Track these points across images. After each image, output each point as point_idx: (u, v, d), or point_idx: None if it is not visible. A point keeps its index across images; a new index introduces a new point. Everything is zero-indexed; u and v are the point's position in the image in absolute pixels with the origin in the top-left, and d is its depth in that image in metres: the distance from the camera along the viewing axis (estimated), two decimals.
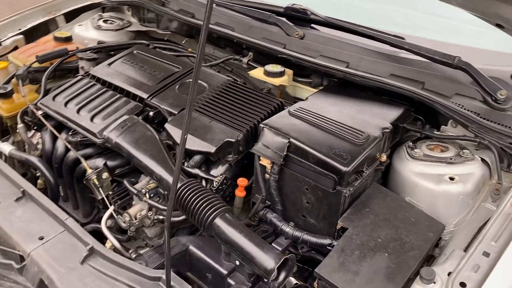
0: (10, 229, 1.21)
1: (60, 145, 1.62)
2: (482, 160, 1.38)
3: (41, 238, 1.17)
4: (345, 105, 1.52)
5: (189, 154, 1.48)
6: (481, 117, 1.43)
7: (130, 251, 1.36)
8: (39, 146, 1.73)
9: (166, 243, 0.95)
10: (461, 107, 1.46)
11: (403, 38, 1.68)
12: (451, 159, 1.36)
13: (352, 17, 1.79)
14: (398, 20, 1.86)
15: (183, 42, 2.21)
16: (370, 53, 1.66)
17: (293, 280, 1.40)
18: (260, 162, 1.37)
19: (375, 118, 1.43)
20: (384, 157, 1.38)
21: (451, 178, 1.32)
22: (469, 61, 1.49)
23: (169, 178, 1.36)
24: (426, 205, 1.33)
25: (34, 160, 1.59)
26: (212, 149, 1.41)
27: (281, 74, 1.67)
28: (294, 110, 1.46)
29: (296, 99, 1.80)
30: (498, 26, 1.40)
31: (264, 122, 1.40)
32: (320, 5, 1.88)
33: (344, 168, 1.23)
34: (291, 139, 1.32)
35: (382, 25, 1.76)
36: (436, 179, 1.32)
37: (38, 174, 1.73)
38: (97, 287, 1.07)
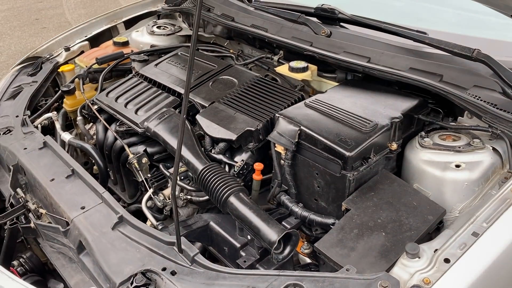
0: (60, 200, 1.44)
1: (110, 134, 1.86)
2: (494, 149, 1.40)
3: (83, 208, 1.39)
4: (361, 97, 1.60)
5: (215, 141, 1.64)
6: (498, 108, 1.44)
7: (157, 223, 1.54)
8: (95, 136, 1.99)
9: (174, 211, 1.11)
10: (478, 98, 1.47)
11: (425, 33, 1.72)
12: (460, 147, 1.39)
13: (379, 15, 1.86)
14: (422, 16, 1.89)
15: (225, 44, 2.39)
16: (392, 48, 1.72)
17: (307, 259, 1.51)
18: (276, 149, 1.50)
19: (387, 109, 1.50)
20: (394, 146, 1.45)
21: (457, 166, 1.35)
22: (491, 54, 1.51)
23: (196, 162, 1.53)
24: (433, 192, 1.38)
25: (88, 147, 1.84)
26: (233, 136, 1.56)
27: (304, 69, 1.79)
28: (310, 102, 1.57)
29: None
30: None
31: (280, 112, 1.53)
32: (350, 4, 1.97)
33: (347, 153, 1.32)
34: (302, 127, 1.43)
35: (407, 21, 1.81)
36: (442, 167, 1.37)
37: (93, 161, 1.99)
38: (123, 249, 1.25)
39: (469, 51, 1.54)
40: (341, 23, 1.97)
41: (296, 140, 1.44)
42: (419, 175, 1.42)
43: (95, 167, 2.01)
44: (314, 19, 1.99)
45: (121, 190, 1.94)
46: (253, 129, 1.57)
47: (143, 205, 1.67)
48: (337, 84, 1.83)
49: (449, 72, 1.58)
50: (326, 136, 1.39)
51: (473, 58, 1.52)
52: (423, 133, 1.50)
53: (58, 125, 2.00)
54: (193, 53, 0.95)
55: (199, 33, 2.52)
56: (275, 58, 2.01)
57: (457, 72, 1.57)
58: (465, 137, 1.46)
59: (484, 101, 1.46)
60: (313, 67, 1.82)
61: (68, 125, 2.19)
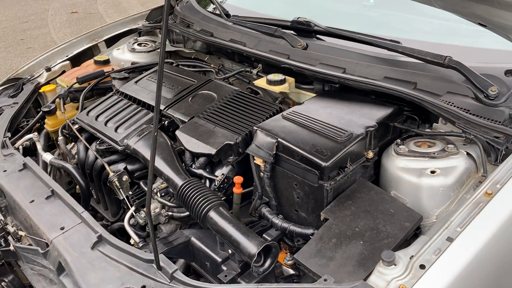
0: (39, 221, 1.44)
1: (91, 153, 1.86)
2: (468, 154, 1.42)
3: (62, 228, 1.39)
4: (337, 108, 1.62)
5: (195, 156, 1.65)
6: (470, 113, 1.47)
7: (138, 241, 1.54)
8: (76, 156, 1.99)
9: (150, 228, 1.12)
10: (451, 105, 1.50)
11: (398, 42, 1.75)
12: (434, 153, 1.42)
13: (353, 26, 1.89)
14: (395, 25, 1.93)
15: (206, 59, 2.41)
16: (366, 58, 1.75)
17: (290, 271, 1.51)
18: (255, 161, 1.51)
19: (362, 118, 1.52)
20: (370, 154, 1.47)
21: (432, 172, 1.37)
22: (462, 60, 1.54)
23: (175, 178, 1.54)
24: (410, 198, 1.40)
25: (69, 167, 1.84)
26: (213, 151, 1.57)
27: (281, 82, 1.81)
28: (287, 114, 1.59)
29: None
30: (481, 25, 1.44)
31: (257, 125, 1.54)
32: (325, 16, 2.00)
33: (323, 163, 1.34)
34: (279, 139, 1.44)
35: (381, 31, 1.84)
36: (418, 173, 1.39)
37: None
38: (103, 268, 1.25)
39: (441, 58, 1.57)
40: (317, 35, 1.99)
41: (274, 152, 1.45)
42: (396, 182, 1.43)
43: (77, 186, 2.01)
44: (291, 32, 2.01)
45: (104, 209, 1.93)
46: (232, 142, 1.58)
47: (125, 223, 1.67)
48: (314, 95, 1.85)
49: (423, 79, 1.61)
50: (303, 147, 1.40)
51: (445, 65, 1.55)
52: (398, 140, 1.52)
53: (39, 146, 1.99)
54: (161, 66, 0.96)
55: (180, 49, 2.54)
56: (254, 71, 2.04)
57: (430, 80, 1.60)
58: (440, 143, 1.48)
59: (457, 107, 1.49)
60: (291, 80, 1.85)
61: (51, 145, 2.19)
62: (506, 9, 1.28)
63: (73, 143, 2.06)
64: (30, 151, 2.05)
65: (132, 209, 1.69)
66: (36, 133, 2.02)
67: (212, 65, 2.33)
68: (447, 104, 1.50)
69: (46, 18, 8.17)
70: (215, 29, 2.25)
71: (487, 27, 1.43)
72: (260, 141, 1.50)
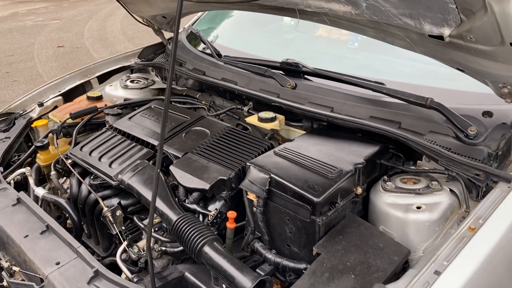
0: (34, 256, 1.45)
1: (84, 188, 1.88)
2: (451, 190, 1.50)
3: (58, 263, 1.40)
4: (326, 145, 1.69)
5: (188, 191, 1.69)
6: (452, 152, 1.56)
7: (132, 276, 1.55)
8: (68, 190, 2.01)
9: (149, 263, 1.14)
10: (433, 143, 1.59)
11: (383, 84, 1.86)
12: (420, 190, 1.49)
13: (340, 67, 2.00)
14: (379, 67, 2.05)
15: (197, 96, 2.49)
16: (353, 98, 1.84)
17: None
18: (248, 196, 1.56)
19: (350, 155, 1.60)
20: (359, 190, 1.53)
21: (418, 207, 1.44)
22: (444, 102, 1.64)
23: (170, 213, 1.57)
24: (398, 233, 1.46)
25: (62, 201, 1.85)
26: (206, 186, 1.62)
27: (272, 119, 1.89)
28: (279, 150, 1.65)
29: None
30: (459, 69, 1.55)
31: (250, 161, 1.60)
32: (313, 58, 2.11)
33: (315, 199, 1.40)
34: (272, 175, 1.50)
35: (365, 72, 1.95)
36: (404, 209, 1.45)
37: (67, 215, 2.00)
38: None
39: (423, 99, 1.67)
40: (305, 76, 2.09)
41: (267, 187, 1.50)
42: (384, 217, 1.49)
43: (68, 221, 2.02)
44: (280, 72, 2.11)
45: (95, 244, 1.94)
46: (225, 178, 1.63)
47: (117, 258, 1.68)
48: (304, 132, 1.93)
49: (406, 119, 1.70)
50: (295, 182, 1.46)
51: (427, 106, 1.66)
52: (385, 177, 1.59)
53: (31, 180, 2.01)
54: (167, 104, 1.02)
55: (172, 86, 2.62)
56: (245, 108, 2.11)
57: (413, 119, 1.69)
58: (424, 180, 1.56)
59: (440, 146, 1.58)
60: (281, 117, 1.93)
61: (41, 180, 2.20)
62: (481, 56, 1.39)
63: (65, 178, 2.08)
64: (20, 185, 2.06)
65: (125, 243, 1.71)
66: (28, 168, 2.03)
67: (203, 102, 2.40)
68: (430, 142, 1.59)
69: (32, 51, 8.23)
70: (207, 68, 2.34)
71: (465, 71, 1.53)
72: (253, 176, 1.55)
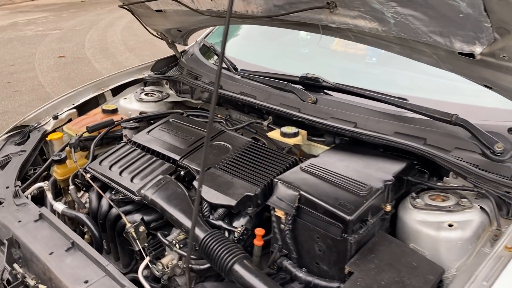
0: (61, 274, 1.42)
1: (105, 203, 1.86)
2: (481, 208, 1.49)
3: (86, 282, 1.37)
4: (353, 161, 1.69)
5: (213, 207, 1.67)
6: (479, 169, 1.55)
7: None
8: (87, 205, 1.98)
9: (187, 280, 1.12)
10: (460, 160, 1.59)
11: (406, 99, 1.86)
12: (450, 207, 1.48)
13: (360, 82, 2.00)
14: (401, 83, 2.05)
15: None
16: (376, 113, 1.84)
17: None
18: (276, 213, 1.54)
19: (379, 172, 1.59)
20: (388, 207, 1.52)
21: (450, 225, 1.43)
22: (468, 118, 1.64)
23: (196, 230, 1.55)
24: (429, 251, 1.44)
25: (82, 216, 1.83)
26: (233, 202, 1.60)
27: (295, 134, 1.88)
28: (306, 166, 1.64)
29: (312, 156, 1.99)
30: (486, 87, 1.56)
31: (278, 177, 1.59)
32: (331, 72, 2.11)
33: (348, 217, 1.38)
34: (301, 192, 1.49)
35: (387, 88, 1.95)
36: (436, 226, 1.44)
37: (85, 230, 1.97)
38: None
39: (448, 116, 1.67)
40: (324, 91, 2.09)
41: (296, 204, 1.49)
42: (415, 235, 1.48)
43: (86, 236, 1.99)
44: (299, 86, 2.11)
45: (115, 260, 1.91)
46: (251, 194, 1.62)
47: (139, 275, 1.65)
48: (326, 147, 1.92)
49: (432, 135, 1.70)
50: (326, 200, 1.45)
51: (452, 122, 1.66)
52: (414, 194, 1.58)
53: (49, 195, 1.98)
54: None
55: (186, 99, 2.61)
56: (265, 123, 2.11)
57: (438, 136, 1.69)
58: (453, 197, 1.55)
59: (467, 162, 1.58)
60: (303, 132, 1.92)
61: (57, 194, 2.17)
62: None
63: (82, 192, 2.06)
64: (37, 199, 2.03)
65: (147, 259, 1.68)
66: (47, 182, 2.01)
67: (219, 116, 2.39)
68: (457, 159, 1.59)
69: (33, 61, 8.20)
70: (224, 82, 2.34)
71: (492, 89, 1.54)
72: (281, 193, 1.54)
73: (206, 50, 2.84)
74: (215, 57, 2.75)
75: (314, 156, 1.96)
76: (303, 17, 1.78)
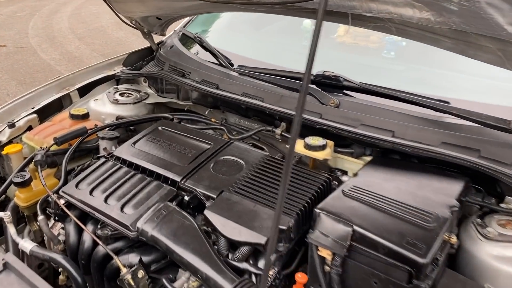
0: None
1: (87, 238, 1.47)
2: None
3: None
4: (401, 180, 1.40)
5: (234, 245, 1.33)
6: None
7: None
8: (61, 238, 1.58)
9: None
10: None
11: (448, 102, 1.59)
12: None
13: (379, 80, 1.71)
14: (434, 82, 1.77)
15: (206, 112, 2.11)
16: (415, 119, 1.56)
17: None
18: (319, 252, 1.23)
19: (438, 194, 1.31)
20: (454, 239, 1.25)
21: None
22: None
23: (218, 279, 1.21)
24: None
25: (59, 258, 1.43)
26: (262, 240, 1.26)
27: (323, 147, 1.56)
28: (349, 190, 1.33)
29: (334, 170, 1.69)
30: None
31: (319, 206, 1.27)
32: (342, 69, 1.79)
33: (421, 260, 1.09)
34: (355, 227, 1.18)
35: (419, 88, 1.67)
36: None
37: (60, 270, 1.58)
38: None
39: (504, 122, 1.42)
40: (345, 91, 1.78)
41: (348, 242, 1.18)
42: (491, 273, 1.22)
43: (61, 277, 1.60)
44: (314, 86, 1.79)
45: None
46: (284, 227, 1.29)
47: None
48: (355, 160, 1.63)
49: (487, 146, 1.44)
50: (388, 238, 1.15)
51: (510, 130, 1.40)
52: (478, 220, 1.32)
53: (12, 229, 1.55)
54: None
55: (171, 100, 2.22)
56: (278, 131, 1.77)
57: (494, 146, 1.44)
58: None
59: None
60: (331, 143, 1.60)
61: (18, 219, 1.75)
62: None
63: (52, 222, 1.64)
64: None
65: None
66: (8, 212, 1.57)
67: (212, 119, 2.02)
68: None
69: None
70: (220, 80, 1.98)
71: None
72: (327, 227, 1.22)
73: (187, 41, 2.44)
74: (196, 48, 2.35)
75: (338, 170, 1.67)
76: (331, 4, 1.46)
